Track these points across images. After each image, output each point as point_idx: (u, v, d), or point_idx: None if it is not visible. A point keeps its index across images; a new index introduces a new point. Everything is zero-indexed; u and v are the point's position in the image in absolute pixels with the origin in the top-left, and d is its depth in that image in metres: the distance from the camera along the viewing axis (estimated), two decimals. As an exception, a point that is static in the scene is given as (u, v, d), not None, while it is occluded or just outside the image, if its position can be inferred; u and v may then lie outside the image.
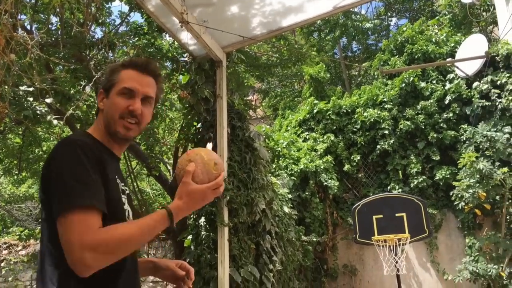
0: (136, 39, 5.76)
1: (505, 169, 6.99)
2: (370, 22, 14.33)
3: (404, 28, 9.78)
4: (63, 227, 1.37)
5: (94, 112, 5.73)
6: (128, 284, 1.55)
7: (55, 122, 3.42)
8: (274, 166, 7.73)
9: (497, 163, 7.32)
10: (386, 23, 15.96)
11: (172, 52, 5.97)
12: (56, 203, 1.42)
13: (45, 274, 1.46)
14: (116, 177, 1.62)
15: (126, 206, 1.64)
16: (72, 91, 5.10)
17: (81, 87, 4.97)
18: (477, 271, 7.03)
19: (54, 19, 5.75)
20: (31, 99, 3.30)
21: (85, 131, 1.73)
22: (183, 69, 5.48)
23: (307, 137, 9.10)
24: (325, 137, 8.85)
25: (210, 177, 1.56)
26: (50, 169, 1.48)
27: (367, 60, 14.29)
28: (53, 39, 5.38)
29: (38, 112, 3.20)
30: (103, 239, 1.37)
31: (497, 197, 7.25)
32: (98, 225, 1.39)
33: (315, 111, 9.25)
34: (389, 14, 16.02)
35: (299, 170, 7.80)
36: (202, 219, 4.90)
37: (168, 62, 6.02)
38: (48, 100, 3.45)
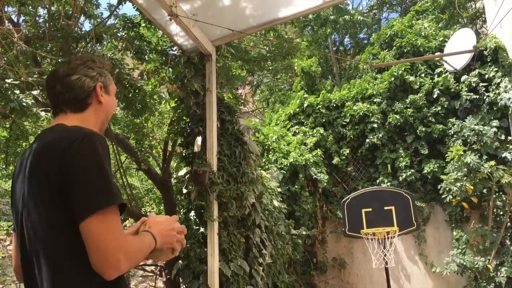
0: (124, 32, 5.70)
1: (492, 162, 7.07)
2: (361, 15, 14.34)
3: (394, 22, 9.81)
4: (98, 226, 1.32)
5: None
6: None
7: (42, 114, 3.38)
8: (263, 160, 7.74)
9: (484, 157, 7.40)
10: (377, 17, 15.97)
11: (161, 45, 5.93)
12: (88, 199, 1.34)
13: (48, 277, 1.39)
14: None
15: None
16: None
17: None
18: (464, 263, 7.12)
19: (41, 11, 5.67)
20: (17, 91, 3.25)
21: (78, 125, 1.60)
22: (172, 63, 5.45)
23: (297, 131, 9.11)
24: (315, 130, 8.86)
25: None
26: (78, 162, 1.38)
27: (359, 54, 14.31)
28: (40, 32, 5.31)
29: (24, 104, 3.16)
30: (131, 246, 1.40)
31: (484, 190, 7.33)
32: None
33: (305, 105, 9.26)
34: (383, 9, 16.02)
35: (288, 164, 7.81)
36: (192, 213, 4.89)
37: (155, 55, 5.96)
38: (35, 92, 3.40)
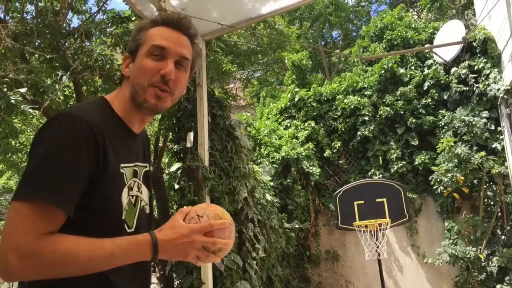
0: (113, 27, 5.66)
1: (483, 153, 7.12)
2: (351, 8, 14.38)
3: (384, 15, 9.82)
4: (8, 216, 1.11)
5: (71, 103, 5.63)
6: (125, 283, 1.30)
7: (29, 111, 3.35)
8: (255, 154, 7.74)
9: (474, 148, 7.45)
10: (367, 9, 16.00)
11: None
12: (18, 185, 1.13)
13: None
14: (121, 165, 1.33)
15: (127, 198, 1.35)
16: (48, 82, 5.00)
17: (58, 77, 4.87)
18: (456, 253, 7.18)
19: (29, 7, 5.61)
20: (5, 89, 3.22)
21: (103, 99, 1.40)
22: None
23: (289, 124, 9.12)
24: (306, 124, 8.87)
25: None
26: (33, 142, 1.21)
27: (348, 47, 14.34)
28: (28, 28, 5.26)
29: (12, 101, 3.12)
30: (40, 250, 1.09)
31: (475, 181, 7.39)
32: (45, 229, 1.12)
33: (296, 98, 9.26)
34: (371, 1, 16.05)
35: (280, 158, 7.82)
36: (184, 209, 4.88)
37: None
38: (22, 90, 3.36)
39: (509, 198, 7.10)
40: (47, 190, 1.12)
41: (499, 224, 7.36)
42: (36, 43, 5.00)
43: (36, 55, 5.05)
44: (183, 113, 5.21)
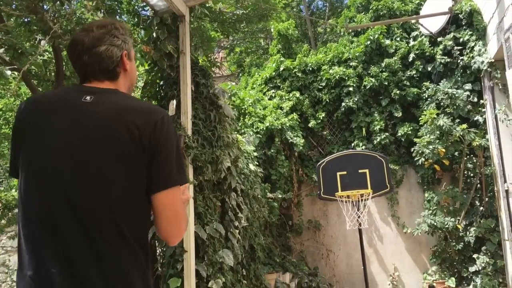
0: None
1: (464, 125, 7.19)
2: None
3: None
4: (175, 198, 1.47)
5: (50, 68, 5.48)
6: None
7: (8, 73, 3.23)
8: (240, 124, 7.70)
9: (457, 120, 7.52)
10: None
11: (133, 5, 5.72)
12: (171, 172, 1.48)
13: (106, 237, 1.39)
14: None
15: None
16: (26, 45, 4.84)
17: (36, 41, 4.71)
18: (435, 224, 7.33)
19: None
20: (-20, 52, 3.10)
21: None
22: (144, 24, 5.28)
23: (273, 95, 9.07)
24: (291, 94, 8.83)
25: None
26: (167, 139, 1.50)
27: (332, 17, 14.19)
28: (4, -11, 5.06)
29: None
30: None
31: (456, 153, 7.49)
32: None
33: (281, 68, 9.18)
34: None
35: (265, 128, 7.80)
36: (167, 177, 4.85)
37: (127, 16, 5.77)
38: (-1, 51, 3.24)
39: (488, 170, 7.22)
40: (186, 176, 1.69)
41: (478, 195, 7.51)
42: (13, 6, 4.81)
43: (13, 18, 4.87)
44: (166, 81, 5.12)
